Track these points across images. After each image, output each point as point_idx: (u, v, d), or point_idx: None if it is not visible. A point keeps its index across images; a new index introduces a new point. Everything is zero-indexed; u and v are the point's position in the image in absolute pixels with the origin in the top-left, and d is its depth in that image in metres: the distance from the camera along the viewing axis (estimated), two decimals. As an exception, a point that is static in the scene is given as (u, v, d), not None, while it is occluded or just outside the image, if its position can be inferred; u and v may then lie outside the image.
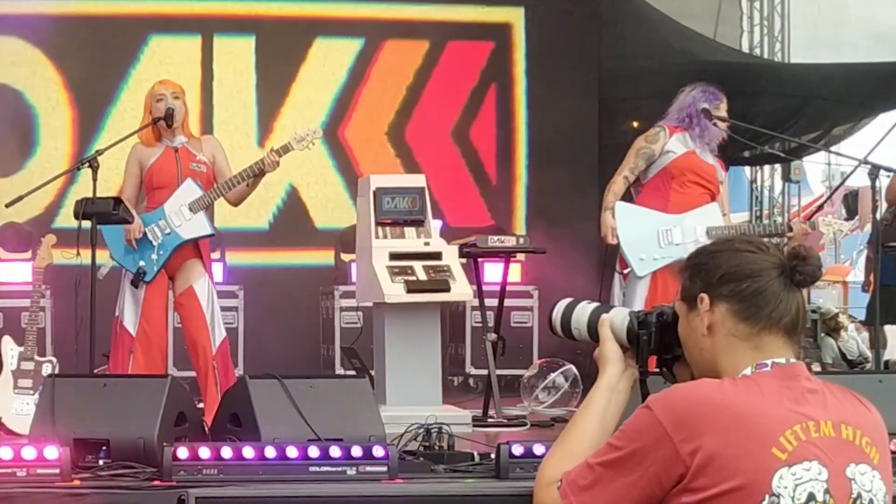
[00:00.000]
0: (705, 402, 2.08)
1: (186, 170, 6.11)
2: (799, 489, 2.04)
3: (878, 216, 5.97)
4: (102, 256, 6.05)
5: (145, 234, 6.08)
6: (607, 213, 6.02)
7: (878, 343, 6.22)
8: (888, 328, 9.19)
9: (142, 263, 6.07)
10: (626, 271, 6.00)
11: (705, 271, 2.22)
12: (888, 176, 6.59)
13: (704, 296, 2.20)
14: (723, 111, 6.16)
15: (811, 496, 2.04)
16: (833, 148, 10.14)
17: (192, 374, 6.26)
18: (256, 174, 6.08)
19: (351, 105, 9.93)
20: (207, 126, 9.41)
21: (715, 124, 6.05)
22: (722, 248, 2.24)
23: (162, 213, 6.10)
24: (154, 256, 6.07)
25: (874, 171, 5.94)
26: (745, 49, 10.84)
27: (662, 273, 5.89)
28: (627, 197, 6.20)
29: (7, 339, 6.26)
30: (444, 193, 9.41)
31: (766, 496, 2.03)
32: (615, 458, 2.12)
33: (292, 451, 4.02)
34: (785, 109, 9.82)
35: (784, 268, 2.18)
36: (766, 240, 2.31)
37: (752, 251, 2.21)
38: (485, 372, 6.78)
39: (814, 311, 10.52)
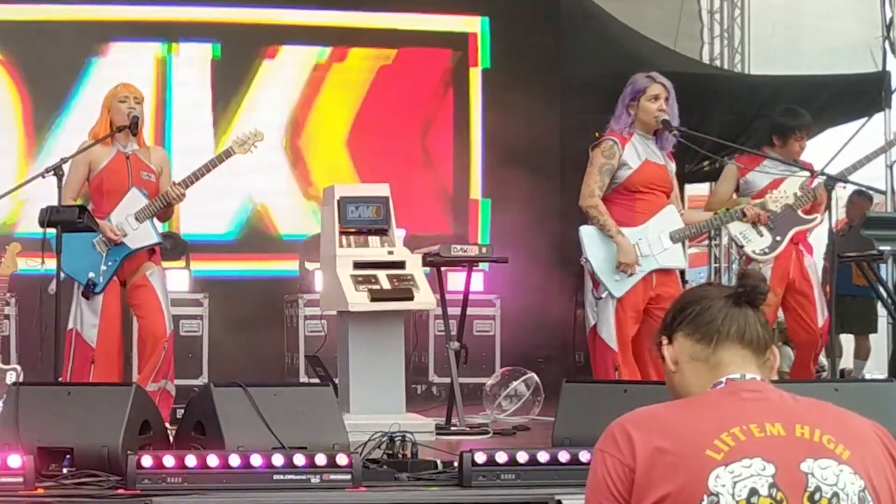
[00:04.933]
0: (640, 421, 2.15)
1: (137, 178, 6.12)
2: (739, 485, 2.06)
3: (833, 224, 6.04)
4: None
5: (94, 245, 6.09)
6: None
7: (833, 352, 6.29)
8: (843, 337, 9.32)
9: (91, 275, 6.06)
10: (603, 295, 5.83)
11: (663, 321, 2.34)
12: (844, 187, 6.70)
13: (664, 337, 2.30)
14: (658, 92, 5.89)
15: (753, 491, 2.06)
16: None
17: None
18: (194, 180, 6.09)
19: (309, 114, 9.94)
20: (164, 132, 9.40)
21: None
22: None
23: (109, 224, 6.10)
24: (103, 267, 6.07)
25: (830, 182, 6.03)
26: (706, 61, 10.93)
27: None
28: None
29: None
30: (404, 202, 9.44)
31: (705, 496, 2.06)
32: None
33: (256, 460, 4.05)
34: (743, 120, 9.91)
35: (729, 293, 2.27)
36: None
37: (699, 288, 2.35)
38: (448, 380, 6.82)
39: (770, 321, 10.57)
